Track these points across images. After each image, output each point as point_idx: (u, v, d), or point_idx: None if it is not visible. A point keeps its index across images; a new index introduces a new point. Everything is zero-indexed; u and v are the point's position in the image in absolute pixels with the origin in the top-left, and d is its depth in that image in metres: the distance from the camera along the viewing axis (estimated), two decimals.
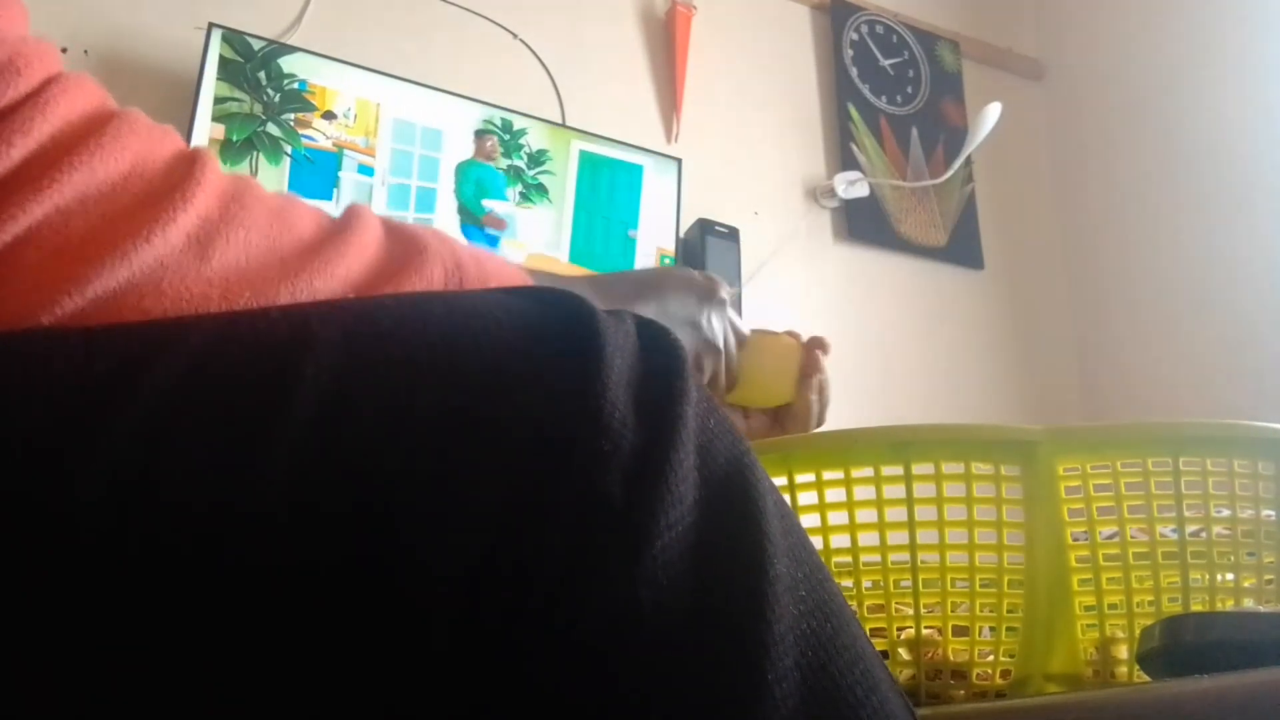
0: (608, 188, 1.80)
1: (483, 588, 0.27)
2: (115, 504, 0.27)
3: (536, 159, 1.74)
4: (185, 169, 0.35)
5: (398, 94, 1.67)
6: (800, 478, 0.54)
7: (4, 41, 0.32)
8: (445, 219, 1.66)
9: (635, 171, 1.82)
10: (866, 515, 0.53)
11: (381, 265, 0.38)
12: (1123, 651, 0.53)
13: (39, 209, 0.31)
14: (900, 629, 0.54)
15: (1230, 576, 0.54)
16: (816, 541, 0.48)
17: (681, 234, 1.86)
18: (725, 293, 0.63)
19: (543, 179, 1.74)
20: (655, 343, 0.33)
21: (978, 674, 0.53)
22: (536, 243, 1.73)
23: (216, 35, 1.54)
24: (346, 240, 0.38)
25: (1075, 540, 0.53)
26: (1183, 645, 0.48)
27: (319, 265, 0.36)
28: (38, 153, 0.32)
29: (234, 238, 0.35)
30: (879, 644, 0.53)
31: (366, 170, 1.62)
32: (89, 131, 0.33)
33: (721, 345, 0.63)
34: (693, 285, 0.62)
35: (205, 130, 1.49)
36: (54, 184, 0.32)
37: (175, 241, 0.33)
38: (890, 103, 2.26)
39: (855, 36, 2.27)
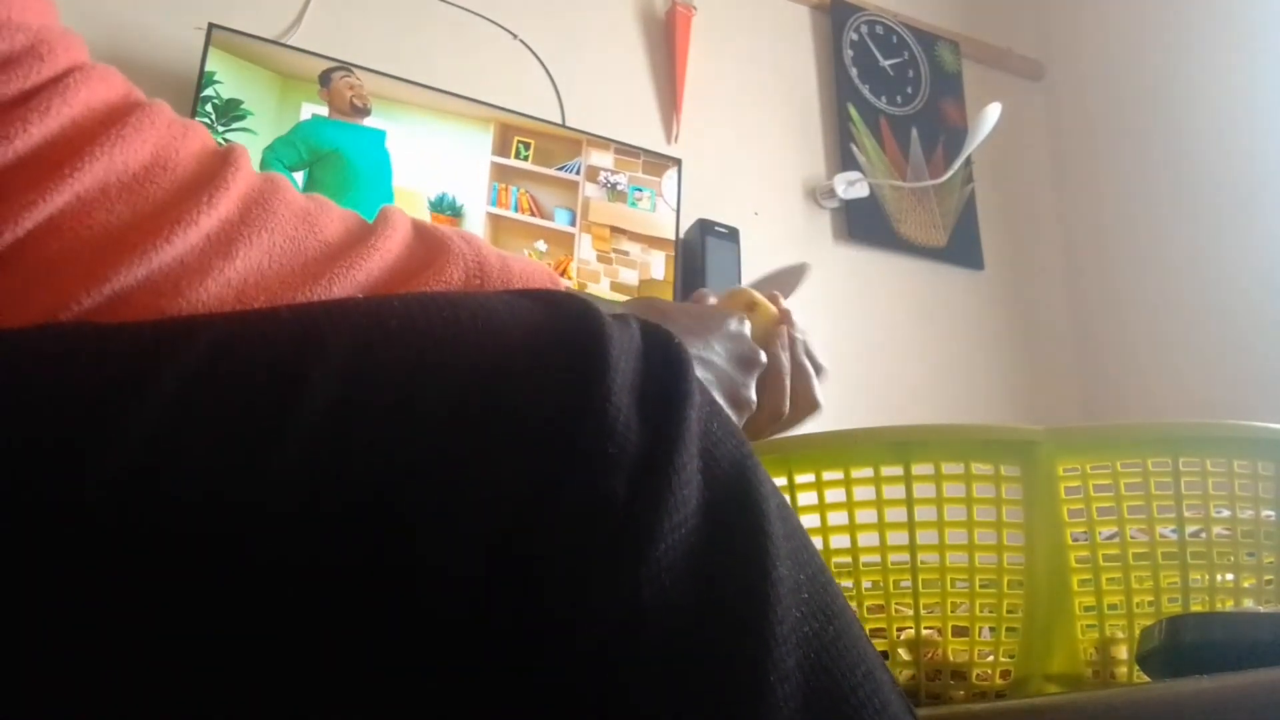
0: None
1: (488, 589, 0.27)
2: (126, 504, 0.27)
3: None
4: (216, 167, 0.35)
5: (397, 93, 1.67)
6: (800, 478, 0.54)
7: (28, 28, 0.32)
8: None
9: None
10: (866, 515, 0.53)
11: (401, 266, 0.38)
12: (1123, 652, 0.53)
13: (60, 197, 0.31)
14: (900, 629, 0.54)
15: (1230, 576, 0.54)
16: (816, 541, 0.48)
17: (681, 234, 1.86)
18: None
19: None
20: (659, 346, 0.33)
21: (977, 674, 0.53)
22: None
23: (217, 35, 1.54)
24: (372, 245, 0.37)
25: (1075, 540, 0.53)
26: (1183, 645, 0.48)
27: (340, 270, 0.36)
28: (58, 136, 0.32)
29: (256, 241, 0.34)
30: (879, 644, 0.53)
31: None
32: (111, 120, 0.33)
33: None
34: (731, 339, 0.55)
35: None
36: (76, 171, 0.32)
37: (195, 242, 0.33)
38: (890, 103, 2.26)
39: (855, 37, 2.27)
